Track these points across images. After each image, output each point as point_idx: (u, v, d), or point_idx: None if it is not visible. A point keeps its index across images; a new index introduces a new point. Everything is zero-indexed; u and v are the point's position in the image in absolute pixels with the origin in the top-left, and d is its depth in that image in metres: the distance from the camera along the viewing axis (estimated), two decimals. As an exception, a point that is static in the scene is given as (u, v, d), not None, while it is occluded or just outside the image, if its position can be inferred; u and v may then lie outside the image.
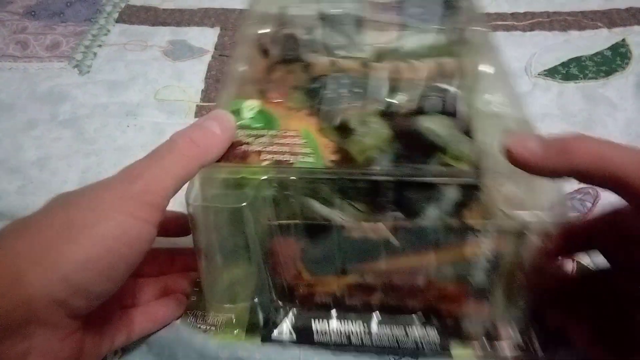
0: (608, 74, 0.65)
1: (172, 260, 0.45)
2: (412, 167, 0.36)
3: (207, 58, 0.72)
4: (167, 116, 0.64)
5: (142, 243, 0.31)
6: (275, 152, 0.37)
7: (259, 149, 0.37)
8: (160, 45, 0.74)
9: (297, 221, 0.36)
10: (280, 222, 0.36)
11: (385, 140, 0.38)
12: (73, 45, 0.74)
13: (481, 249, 0.35)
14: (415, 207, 0.35)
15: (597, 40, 0.70)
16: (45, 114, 0.63)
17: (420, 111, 0.41)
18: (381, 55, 0.48)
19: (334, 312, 0.41)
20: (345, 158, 0.37)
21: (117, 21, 0.79)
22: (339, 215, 0.35)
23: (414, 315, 0.41)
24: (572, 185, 0.52)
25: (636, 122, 0.59)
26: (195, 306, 0.43)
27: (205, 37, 0.75)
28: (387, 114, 0.41)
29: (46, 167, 0.57)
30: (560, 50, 0.69)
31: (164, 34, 0.76)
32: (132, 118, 0.63)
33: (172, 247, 0.45)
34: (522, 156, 0.31)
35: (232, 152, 0.37)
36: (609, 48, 0.69)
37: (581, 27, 0.73)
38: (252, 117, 0.40)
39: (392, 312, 0.41)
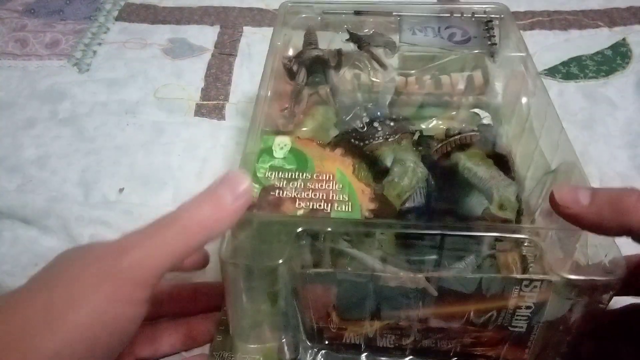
0: (608, 73, 0.65)
1: (194, 297, 0.43)
2: (457, 222, 0.34)
3: (207, 56, 0.71)
4: (167, 114, 0.64)
5: (124, 325, 0.29)
6: (310, 199, 0.36)
7: (293, 194, 0.36)
8: (159, 43, 0.74)
9: (331, 270, 0.35)
10: (315, 270, 0.35)
11: (422, 180, 0.38)
12: (72, 43, 0.74)
13: (525, 300, 0.34)
14: (456, 257, 0.34)
15: (597, 40, 0.70)
16: (45, 112, 0.63)
17: (458, 145, 0.40)
18: (408, 66, 0.47)
19: (364, 356, 0.40)
20: (383, 204, 0.36)
21: (116, 19, 0.78)
22: (377, 263, 0.34)
23: None
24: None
25: (637, 121, 0.59)
26: (221, 347, 0.41)
27: (205, 35, 0.75)
28: (423, 146, 0.40)
29: (46, 166, 0.57)
30: (560, 49, 0.69)
31: (164, 32, 0.76)
32: (131, 116, 0.63)
33: (195, 283, 0.44)
34: (572, 210, 0.29)
35: (265, 199, 0.36)
36: (610, 47, 0.69)
37: (582, 26, 0.73)
38: (284, 157, 0.39)
39: (426, 354, 0.39)
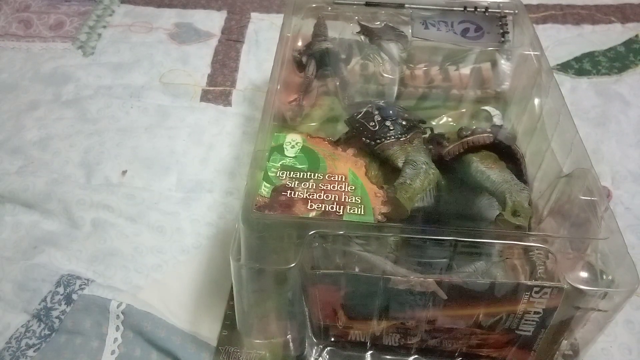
0: (621, 70, 0.64)
1: None
2: (469, 228, 0.34)
3: (214, 42, 0.70)
4: (172, 99, 0.63)
5: None
6: (322, 201, 0.35)
7: (305, 195, 0.35)
8: (165, 27, 0.73)
9: (341, 271, 0.34)
10: (325, 271, 0.34)
11: (434, 181, 0.37)
12: (77, 25, 0.73)
13: (534, 305, 0.33)
14: (467, 260, 0.34)
15: (610, 35, 0.69)
16: (48, 95, 0.62)
17: (471, 147, 0.39)
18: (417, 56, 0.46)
19: (369, 354, 0.40)
20: (395, 207, 0.35)
21: (121, 1, 0.77)
22: (387, 265, 0.34)
23: None
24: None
25: (649, 119, 0.58)
26: (227, 342, 0.41)
27: (212, 20, 0.74)
28: (433, 144, 0.40)
29: (48, 147, 0.56)
30: (573, 44, 0.68)
31: (170, 16, 0.74)
32: (136, 100, 0.62)
33: None
34: None
35: (277, 199, 0.35)
36: (623, 44, 0.68)
37: (594, 22, 0.72)
38: (295, 156, 0.38)
39: (431, 354, 0.39)
